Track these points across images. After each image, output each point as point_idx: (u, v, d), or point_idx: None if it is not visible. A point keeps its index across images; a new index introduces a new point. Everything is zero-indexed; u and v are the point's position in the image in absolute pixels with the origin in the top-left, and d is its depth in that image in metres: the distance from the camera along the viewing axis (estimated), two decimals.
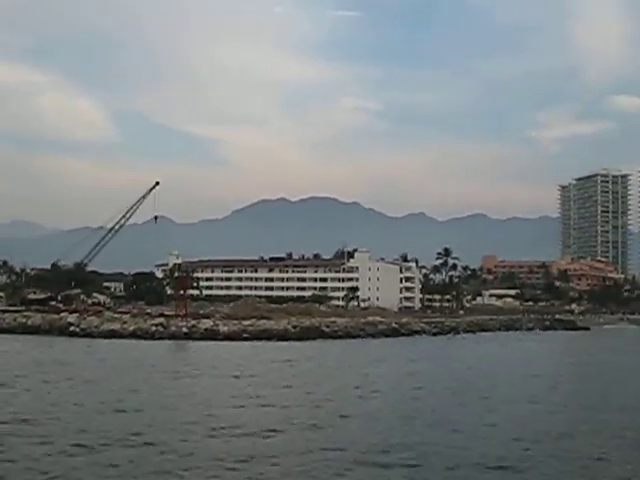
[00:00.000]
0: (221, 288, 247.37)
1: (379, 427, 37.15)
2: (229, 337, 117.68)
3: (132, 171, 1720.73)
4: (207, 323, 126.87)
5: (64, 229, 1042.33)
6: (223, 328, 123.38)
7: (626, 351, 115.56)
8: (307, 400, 47.24)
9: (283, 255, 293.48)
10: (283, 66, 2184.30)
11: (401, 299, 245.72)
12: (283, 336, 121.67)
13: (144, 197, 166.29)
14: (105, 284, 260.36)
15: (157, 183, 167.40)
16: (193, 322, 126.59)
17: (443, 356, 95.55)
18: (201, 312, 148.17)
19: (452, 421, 38.90)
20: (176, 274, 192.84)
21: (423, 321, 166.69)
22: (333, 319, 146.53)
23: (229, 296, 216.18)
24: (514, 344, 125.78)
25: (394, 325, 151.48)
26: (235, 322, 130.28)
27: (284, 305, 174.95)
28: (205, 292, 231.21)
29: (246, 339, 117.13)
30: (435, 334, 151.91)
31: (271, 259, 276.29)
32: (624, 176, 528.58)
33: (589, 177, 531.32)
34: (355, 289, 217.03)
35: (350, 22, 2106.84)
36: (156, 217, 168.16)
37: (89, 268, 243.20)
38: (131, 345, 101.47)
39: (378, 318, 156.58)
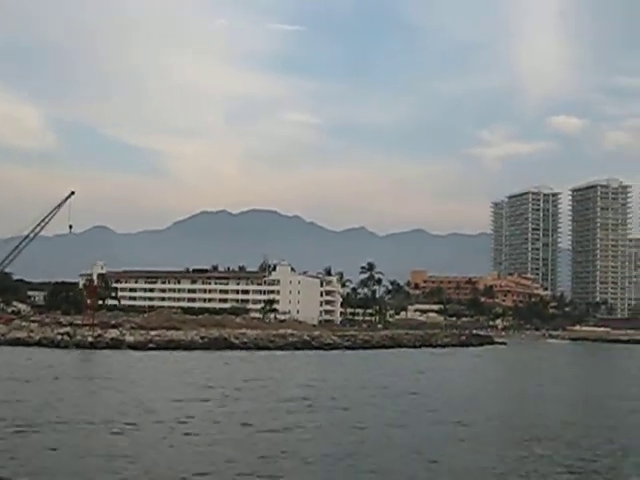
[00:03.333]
0: (144, 299, 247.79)
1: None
2: (134, 347, 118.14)
3: (74, 181, 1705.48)
4: (113, 333, 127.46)
5: (2, 238, 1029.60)
6: (129, 338, 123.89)
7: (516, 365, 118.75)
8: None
9: (211, 267, 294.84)
10: (227, 78, 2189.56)
11: (321, 312, 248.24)
12: (189, 346, 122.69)
13: (59, 206, 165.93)
14: (30, 293, 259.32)
15: (72, 193, 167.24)
16: (100, 332, 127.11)
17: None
18: (113, 322, 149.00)
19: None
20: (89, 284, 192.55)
21: (336, 334, 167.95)
22: (243, 331, 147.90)
23: (151, 307, 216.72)
24: (400, 359, 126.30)
25: (305, 338, 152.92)
26: (142, 332, 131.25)
27: (199, 317, 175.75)
28: (128, 303, 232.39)
29: (151, 349, 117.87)
30: (347, 348, 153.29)
31: (194, 271, 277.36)
32: (555, 194, 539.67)
33: (520, 195, 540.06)
34: (272, 302, 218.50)
35: (294, 36, 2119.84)
36: (70, 226, 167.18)
37: (16, 276, 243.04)
38: (27, 353, 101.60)
39: (289, 331, 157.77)
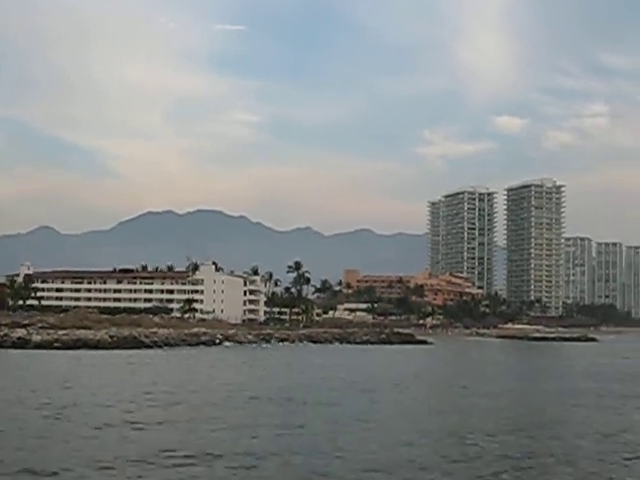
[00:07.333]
0: (70, 299, 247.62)
1: None
2: (40, 346, 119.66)
3: (18, 182, 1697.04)
4: (20, 332, 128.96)
5: None
6: (36, 337, 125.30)
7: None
8: None
9: (140, 267, 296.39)
10: (171, 78, 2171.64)
11: (245, 311, 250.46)
12: (96, 345, 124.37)
13: None
14: None
15: None
16: (5, 331, 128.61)
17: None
18: (25, 322, 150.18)
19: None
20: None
21: (252, 333, 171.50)
22: (154, 330, 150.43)
23: (77, 307, 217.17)
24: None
25: (219, 336, 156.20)
26: (50, 332, 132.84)
27: (116, 316, 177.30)
28: (55, 303, 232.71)
29: (57, 348, 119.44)
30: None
31: (120, 271, 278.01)
32: (490, 194, 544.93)
33: (456, 194, 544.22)
34: (191, 301, 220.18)
35: (237, 36, 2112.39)
36: None
37: None
38: None
39: (202, 329, 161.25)
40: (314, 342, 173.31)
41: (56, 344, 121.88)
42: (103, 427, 39.20)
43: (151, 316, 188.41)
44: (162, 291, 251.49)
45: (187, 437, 37.27)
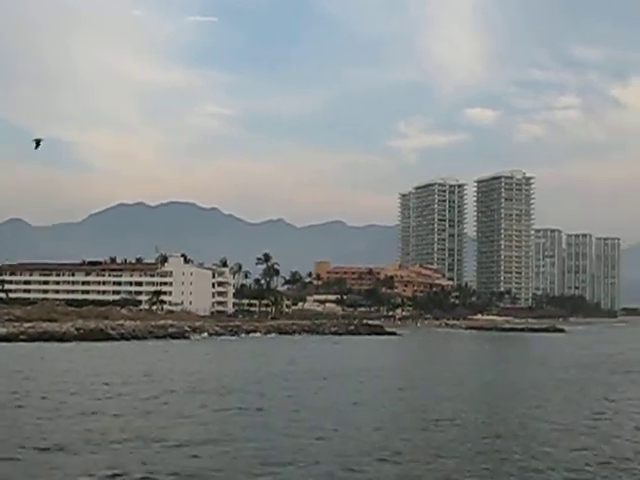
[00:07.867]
0: (39, 292, 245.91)
1: None
2: (5, 339, 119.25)
3: None
4: None
5: None
6: (1, 330, 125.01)
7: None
8: None
9: (109, 259, 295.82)
10: (143, 69, 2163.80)
11: (214, 303, 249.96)
12: (62, 338, 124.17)
13: None
14: None
15: None
16: None
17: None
18: None
19: None
20: None
21: (219, 325, 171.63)
22: (121, 322, 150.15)
23: (45, 299, 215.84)
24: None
25: (186, 328, 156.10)
26: (16, 324, 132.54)
27: (83, 308, 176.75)
28: (23, 295, 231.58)
29: (23, 340, 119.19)
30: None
31: (89, 263, 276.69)
32: (460, 185, 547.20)
33: (427, 186, 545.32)
34: (159, 293, 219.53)
35: (209, 28, 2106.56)
36: None
37: None
38: None
39: (169, 322, 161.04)
40: (282, 334, 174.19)
41: (22, 337, 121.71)
42: (53, 417, 39.34)
43: (119, 308, 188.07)
44: (131, 283, 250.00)
45: (136, 426, 37.46)
